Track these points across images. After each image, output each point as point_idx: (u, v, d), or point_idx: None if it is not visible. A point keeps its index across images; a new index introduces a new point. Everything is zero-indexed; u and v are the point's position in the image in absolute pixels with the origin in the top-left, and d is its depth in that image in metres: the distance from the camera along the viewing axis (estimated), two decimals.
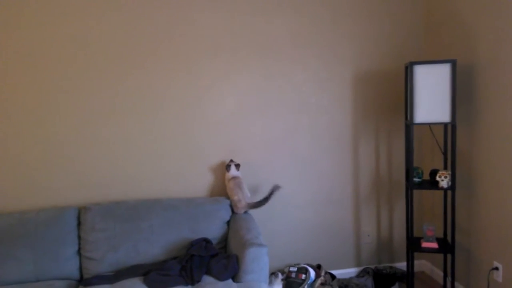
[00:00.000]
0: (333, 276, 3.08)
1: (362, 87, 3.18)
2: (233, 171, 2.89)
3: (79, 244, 2.56)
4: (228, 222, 2.78)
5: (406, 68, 2.84)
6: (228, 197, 2.87)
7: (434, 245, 2.81)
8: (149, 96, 2.85)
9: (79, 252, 2.55)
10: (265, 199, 2.83)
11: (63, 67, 2.71)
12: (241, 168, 3.02)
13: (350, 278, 3.04)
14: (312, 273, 2.89)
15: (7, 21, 2.62)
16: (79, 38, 2.72)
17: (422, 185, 2.81)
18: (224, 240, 2.74)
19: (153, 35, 2.82)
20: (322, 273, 3.02)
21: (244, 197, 2.82)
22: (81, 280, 2.55)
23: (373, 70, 3.17)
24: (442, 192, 3.11)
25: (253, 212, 3.06)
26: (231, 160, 2.94)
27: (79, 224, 2.60)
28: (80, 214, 2.61)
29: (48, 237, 2.46)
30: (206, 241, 2.61)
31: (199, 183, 2.98)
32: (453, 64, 2.58)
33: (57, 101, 2.72)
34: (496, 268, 2.57)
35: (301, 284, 2.82)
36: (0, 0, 2.59)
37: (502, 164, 2.49)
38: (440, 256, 3.18)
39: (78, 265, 2.54)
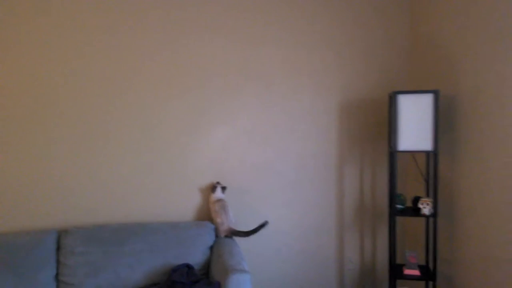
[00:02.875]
0: None
1: (348, 115, 3.23)
2: (218, 193, 2.87)
3: (57, 268, 2.49)
4: (212, 247, 2.75)
5: (390, 97, 2.90)
6: (212, 221, 2.85)
7: (416, 272, 2.82)
8: (137, 120, 2.84)
9: (56, 277, 2.48)
10: (251, 232, 2.80)
11: (50, 88, 2.69)
12: (227, 191, 3.01)
13: None
14: None
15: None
16: (71, 58, 2.71)
17: (404, 212, 2.83)
18: (207, 265, 2.70)
19: (146, 58, 2.83)
20: None
21: (228, 220, 2.80)
22: None
23: (358, 98, 3.23)
24: (424, 219, 3.14)
25: (236, 237, 3.03)
26: (218, 182, 2.93)
27: (58, 248, 2.53)
28: (60, 237, 2.55)
29: (27, 261, 2.39)
30: (188, 267, 2.57)
31: (185, 205, 2.96)
32: (436, 94, 2.65)
33: (41, 122, 2.68)
34: None
35: None
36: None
37: (482, 193, 2.54)
38: (422, 284, 3.19)
39: None
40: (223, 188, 2.90)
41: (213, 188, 2.88)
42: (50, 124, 2.70)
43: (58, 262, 2.50)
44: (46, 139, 2.70)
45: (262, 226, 2.80)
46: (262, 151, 3.09)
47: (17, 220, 2.66)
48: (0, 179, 2.63)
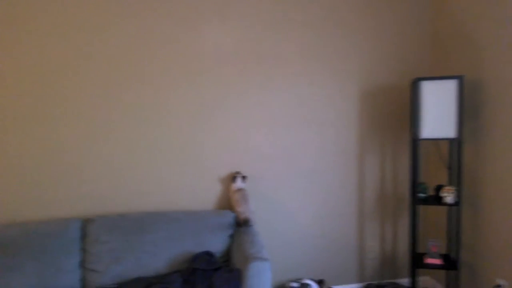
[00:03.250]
0: None
1: (369, 102, 3.18)
2: (239, 183, 2.88)
3: (82, 256, 2.54)
4: (232, 236, 2.77)
5: (413, 84, 2.84)
6: (232, 210, 2.86)
7: (438, 261, 2.79)
8: (155, 108, 2.85)
9: (82, 264, 2.53)
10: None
11: (67, 79, 2.72)
12: (246, 180, 3.01)
13: None
14: None
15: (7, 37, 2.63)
16: (83, 50, 2.73)
17: (427, 201, 2.79)
18: (228, 253, 2.72)
19: (158, 46, 2.83)
20: None
21: (248, 209, 2.81)
22: None
23: (379, 85, 3.18)
24: (446, 208, 3.09)
25: (256, 225, 3.04)
26: (238, 172, 2.93)
27: (82, 236, 2.58)
28: (84, 226, 2.60)
29: (52, 248, 2.45)
30: (209, 254, 2.60)
31: (205, 195, 2.97)
32: (460, 80, 2.58)
33: (62, 114, 2.72)
34: (499, 286, 2.55)
35: None
36: (2, 16, 2.61)
37: (507, 181, 2.48)
38: (444, 273, 3.15)
39: (80, 277, 2.51)
40: (244, 178, 2.91)
41: (233, 177, 2.89)
42: (72, 115, 2.73)
43: (83, 250, 2.55)
44: (67, 130, 2.73)
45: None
46: (281, 140, 3.07)
47: (42, 208, 2.72)
48: (25, 168, 2.69)
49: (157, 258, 2.57)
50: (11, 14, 2.62)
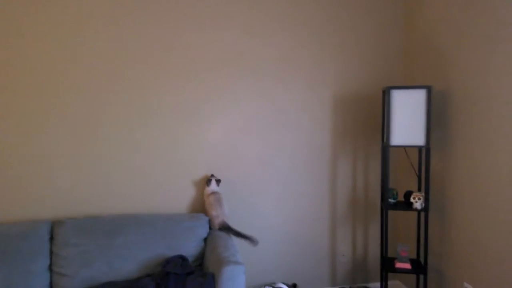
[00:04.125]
0: None
1: (342, 109, 3.25)
2: (213, 186, 2.88)
3: (51, 259, 2.48)
4: (205, 239, 2.76)
5: (384, 92, 2.92)
6: (206, 214, 2.86)
7: (408, 265, 2.86)
8: (129, 111, 2.83)
9: (50, 267, 2.48)
10: (239, 235, 2.79)
11: (49, 78, 2.67)
12: (220, 184, 3.02)
13: None
14: None
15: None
16: (73, 51, 2.70)
17: (396, 206, 2.87)
18: (201, 257, 2.71)
19: (141, 51, 2.82)
20: None
21: (223, 213, 2.81)
22: None
23: (353, 92, 3.26)
24: (416, 213, 3.18)
25: None
26: (212, 175, 2.94)
27: (51, 238, 2.53)
28: (53, 228, 2.54)
29: (19, 251, 2.38)
30: (182, 258, 2.58)
31: (179, 198, 2.96)
32: (429, 89, 2.68)
33: (38, 112, 2.67)
34: None
35: None
36: None
37: (472, 188, 2.58)
38: (413, 277, 3.23)
39: (48, 281, 2.46)
40: (218, 181, 2.91)
41: (208, 181, 2.89)
42: (43, 114, 2.69)
43: (51, 252, 2.49)
44: (40, 130, 2.68)
45: (249, 239, 2.77)
46: (256, 144, 3.10)
47: (10, 210, 2.65)
48: None
49: (129, 262, 2.53)
50: (4, 17, 2.58)
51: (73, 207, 2.76)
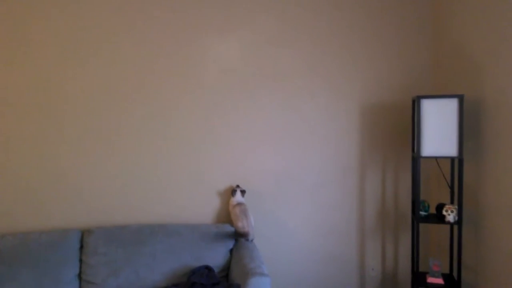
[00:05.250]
0: None
1: (370, 119, 3.19)
2: (238, 197, 2.88)
3: (80, 267, 2.53)
4: (231, 250, 2.75)
5: (414, 101, 2.86)
6: (232, 224, 2.85)
7: (440, 280, 2.76)
8: (156, 120, 2.88)
9: (79, 275, 2.52)
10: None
11: (67, 91, 2.75)
12: (246, 195, 3.01)
13: None
14: None
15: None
16: (88, 62, 2.77)
17: (428, 219, 2.78)
18: (227, 268, 2.70)
19: (161, 59, 2.87)
20: None
21: (249, 224, 2.80)
22: None
23: (380, 102, 3.20)
24: (448, 226, 3.07)
25: (256, 241, 3.02)
26: (237, 186, 2.94)
27: (81, 247, 2.58)
28: (83, 237, 2.60)
29: (50, 259, 2.44)
30: (208, 269, 2.58)
31: (205, 208, 2.97)
32: (461, 98, 2.60)
33: (62, 125, 2.75)
34: None
35: None
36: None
37: (508, 200, 2.47)
38: None
39: None
40: (243, 192, 2.91)
41: (232, 191, 2.89)
42: (68, 127, 2.76)
43: (81, 261, 2.54)
44: (67, 140, 2.76)
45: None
46: (280, 155, 3.08)
47: (41, 219, 2.73)
48: (26, 178, 2.70)
49: (155, 271, 2.55)
50: (12, 19, 2.68)
51: (102, 217, 2.81)
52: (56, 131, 2.74)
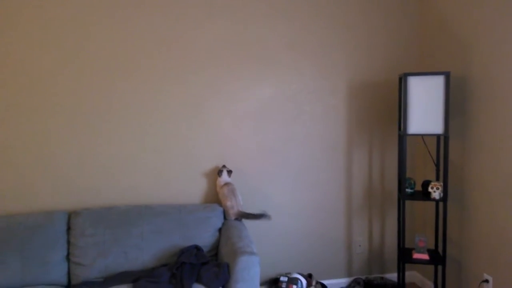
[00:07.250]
0: (324, 286, 3.06)
1: (356, 97, 3.19)
2: (224, 176, 2.87)
3: (68, 249, 2.52)
4: (220, 230, 2.76)
5: (400, 79, 2.86)
6: (220, 204, 2.86)
7: (425, 256, 2.81)
8: (142, 101, 2.84)
9: (67, 257, 2.51)
10: (254, 216, 2.78)
11: (55, 72, 2.69)
12: (232, 175, 3.01)
13: None
14: (303, 282, 2.87)
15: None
16: (74, 44, 2.70)
17: (414, 196, 2.81)
18: (216, 247, 2.72)
19: (148, 42, 2.81)
20: (313, 283, 3.01)
21: (237, 203, 2.80)
22: (69, 286, 2.51)
23: (367, 80, 3.19)
24: (434, 203, 3.11)
25: (244, 220, 3.03)
26: (224, 166, 2.93)
27: (68, 229, 2.56)
28: (70, 218, 2.58)
29: (37, 241, 2.42)
30: (197, 248, 2.59)
31: (192, 188, 2.97)
32: (447, 76, 2.60)
33: (48, 106, 2.69)
34: (487, 281, 2.58)
35: None
36: None
37: (493, 177, 2.51)
38: (431, 268, 3.18)
39: (66, 270, 2.50)
40: (229, 172, 2.90)
41: (219, 172, 2.88)
42: (55, 107, 2.71)
43: (68, 242, 2.53)
44: (54, 122, 2.71)
45: (263, 216, 2.75)
46: (268, 134, 3.07)
47: (27, 201, 2.69)
48: (10, 159, 2.66)
49: (144, 252, 2.56)
50: (3, 15, 2.60)
51: (88, 199, 2.79)
52: (42, 113, 2.68)
